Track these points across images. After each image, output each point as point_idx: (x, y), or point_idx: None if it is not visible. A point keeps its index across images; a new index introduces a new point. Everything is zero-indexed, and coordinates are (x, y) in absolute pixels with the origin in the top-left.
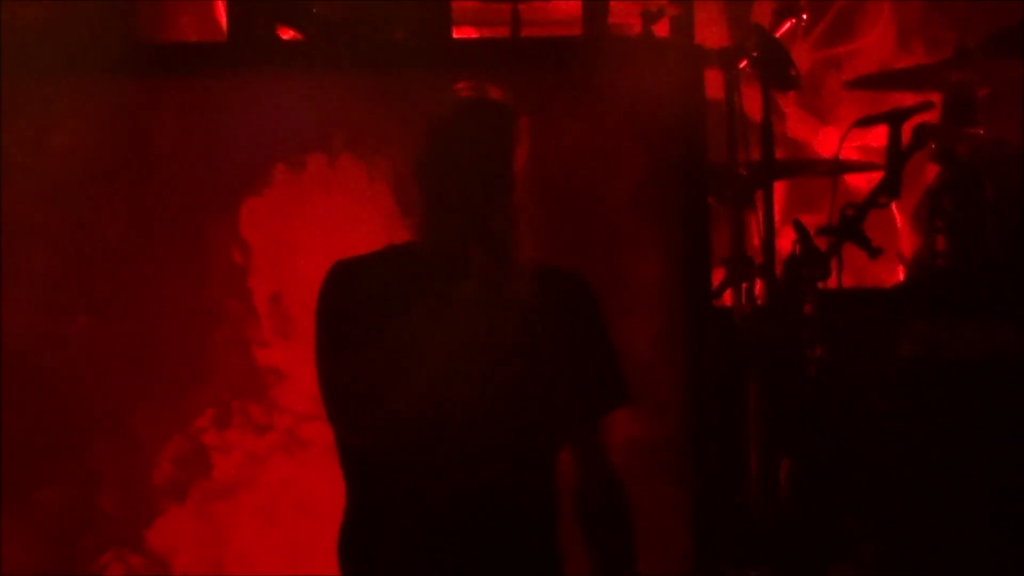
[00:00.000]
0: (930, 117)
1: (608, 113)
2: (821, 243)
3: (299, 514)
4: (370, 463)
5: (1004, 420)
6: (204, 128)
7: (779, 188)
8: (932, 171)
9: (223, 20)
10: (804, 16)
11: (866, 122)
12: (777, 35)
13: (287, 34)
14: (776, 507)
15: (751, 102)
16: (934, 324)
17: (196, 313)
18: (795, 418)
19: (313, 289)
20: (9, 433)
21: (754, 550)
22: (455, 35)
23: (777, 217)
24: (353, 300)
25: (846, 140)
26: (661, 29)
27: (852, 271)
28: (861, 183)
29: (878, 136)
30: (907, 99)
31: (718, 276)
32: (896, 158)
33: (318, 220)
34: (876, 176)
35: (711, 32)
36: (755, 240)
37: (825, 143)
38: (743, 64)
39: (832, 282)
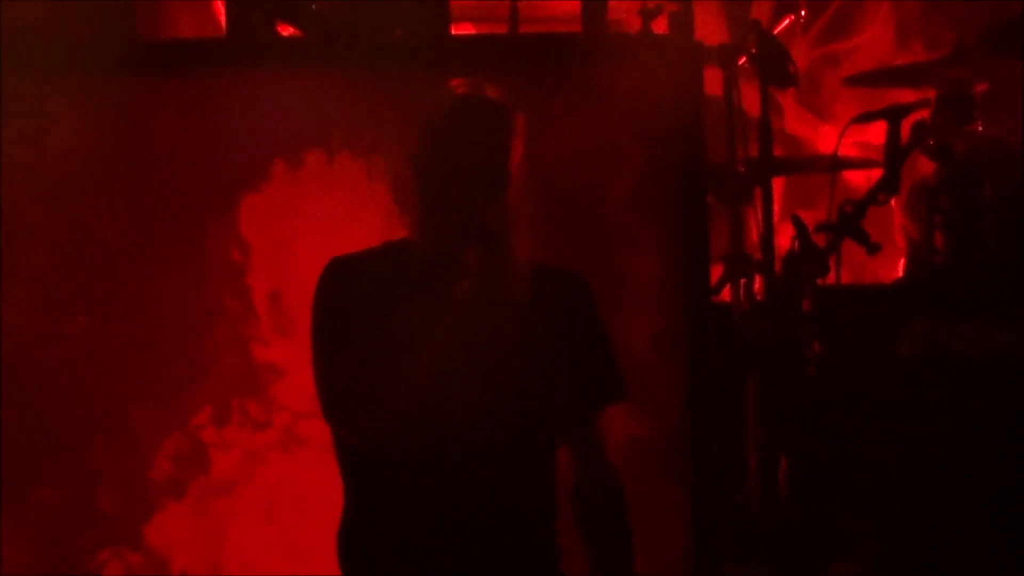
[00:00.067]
0: (927, 114)
1: (607, 111)
2: (820, 240)
3: (297, 511)
4: (367, 462)
5: (1003, 419)
6: (203, 126)
7: (778, 185)
8: (925, 163)
9: (222, 18)
10: (803, 13)
11: (864, 119)
12: (776, 32)
13: (286, 31)
14: (775, 506)
15: (750, 99)
16: (933, 323)
17: (195, 311)
18: (794, 417)
19: (311, 287)
20: (8, 431)
21: (753, 549)
22: (454, 32)
23: (776, 214)
24: (349, 298)
25: (845, 137)
26: (660, 26)
27: (851, 267)
28: (860, 180)
29: (877, 133)
30: (905, 96)
31: (717, 273)
32: (895, 155)
33: (317, 218)
34: (875, 173)
35: (710, 29)
36: (754, 237)
37: (824, 140)
38: (742, 61)
39: (831, 279)
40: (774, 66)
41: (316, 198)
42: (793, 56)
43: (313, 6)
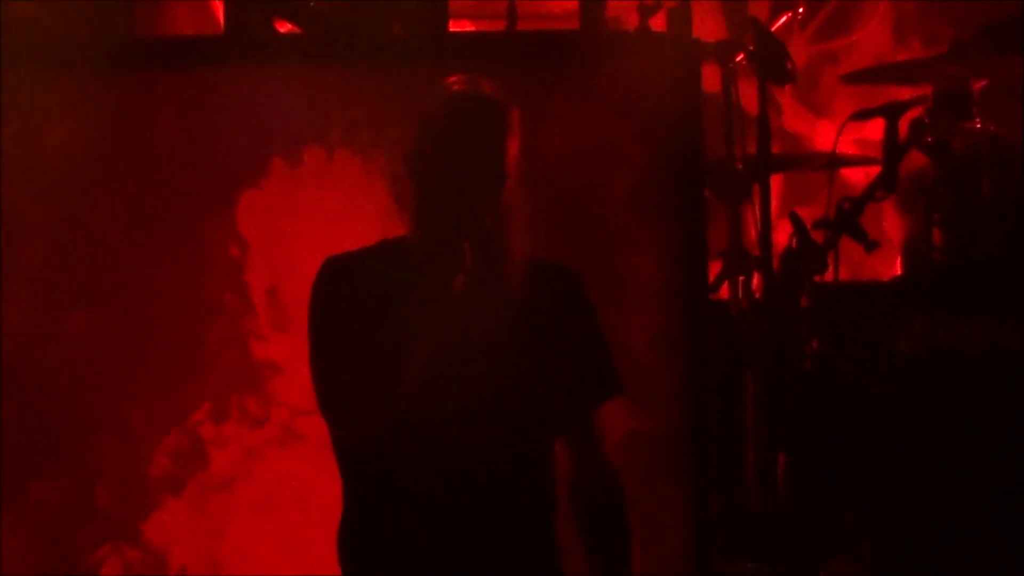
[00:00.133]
0: (925, 111)
1: (605, 108)
2: (818, 237)
3: (296, 508)
4: (365, 461)
5: (1002, 416)
6: (201, 123)
7: (776, 182)
8: (920, 157)
9: (220, 16)
10: (800, 10)
11: (862, 116)
12: (773, 29)
13: (284, 28)
14: (774, 504)
15: (748, 96)
16: (932, 320)
17: (193, 308)
18: (793, 415)
19: (310, 283)
20: (8, 428)
21: (752, 547)
22: (452, 29)
23: (774, 211)
24: (345, 296)
25: (843, 134)
26: (658, 23)
27: (849, 264)
28: (858, 177)
29: (875, 130)
30: (903, 93)
31: (715, 269)
32: (892, 152)
33: (315, 214)
34: (873, 170)
35: (708, 26)
36: (752, 234)
37: (821, 136)
38: (740, 58)
39: (829, 276)
40: (772, 63)
41: (314, 195)
42: (791, 53)
43: (311, 3)
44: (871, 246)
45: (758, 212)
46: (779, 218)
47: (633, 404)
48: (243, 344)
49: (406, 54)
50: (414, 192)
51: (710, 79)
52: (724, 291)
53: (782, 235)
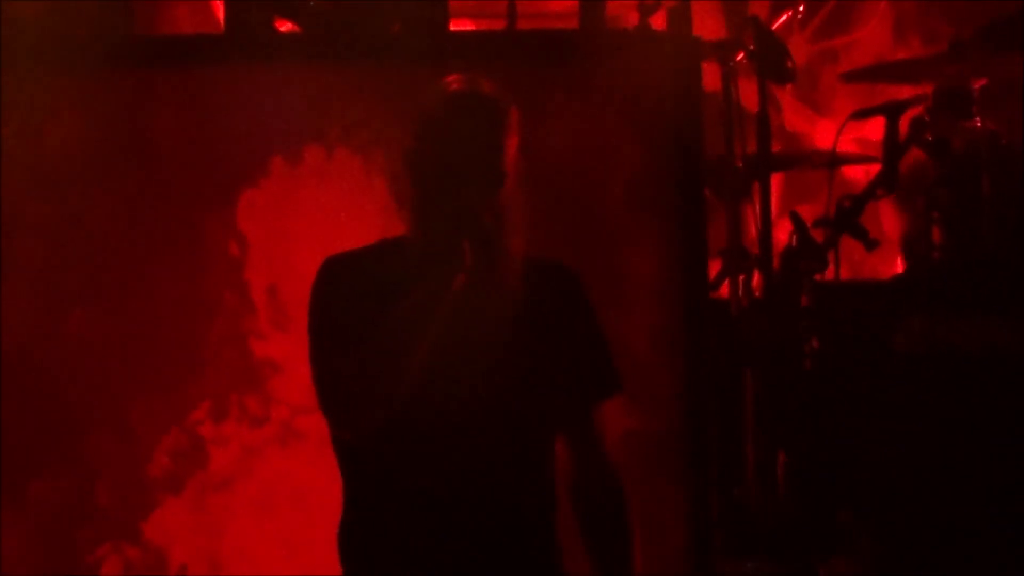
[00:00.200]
0: (925, 110)
1: (605, 106)
2: (818, 235)
3: (296, 506)
4: (365, 460)
5: (1002, 414)
6: (201, 121)
7: (776, 180)
8: (918, 154)
9: (219, 14)
10: (801, 8)
11: (863, 114)
12: (774, 28)
13: (284, 27)
14: (774, 502)
15: (748, 95)
16: (931, 318)
17: (193, 306)
18: (793, 413)
19: (309, 281)
20: (7, 426)
21: (752, 545)
22: (452, 28)
23: (774, 209)
24: (345, 296)
25: (843, 132)
26: (658, 22)
27: (849, 263)
28: (858, 175)
29: (875, 128)
30: (903, 92)
31: (715, 268)
32: (893, 150)
33: (314, 213)
34: (873, 168)
35: (708, 25)
36: (752, 232)
37: (822, 135)
38: (740, 57)
39: (829, 274)
40: (772, 62)
41: (314, 193)
42: (791, 51)
43: (311, 2)
44: (871, 245)
45: (758, 211)
46: (779, 217)
47: (633, 403)
48: (243, 343)
49: (406, 53)
50: (413, 192)
51: (710, 78)
52: (724, 290)
53: (782, 234)
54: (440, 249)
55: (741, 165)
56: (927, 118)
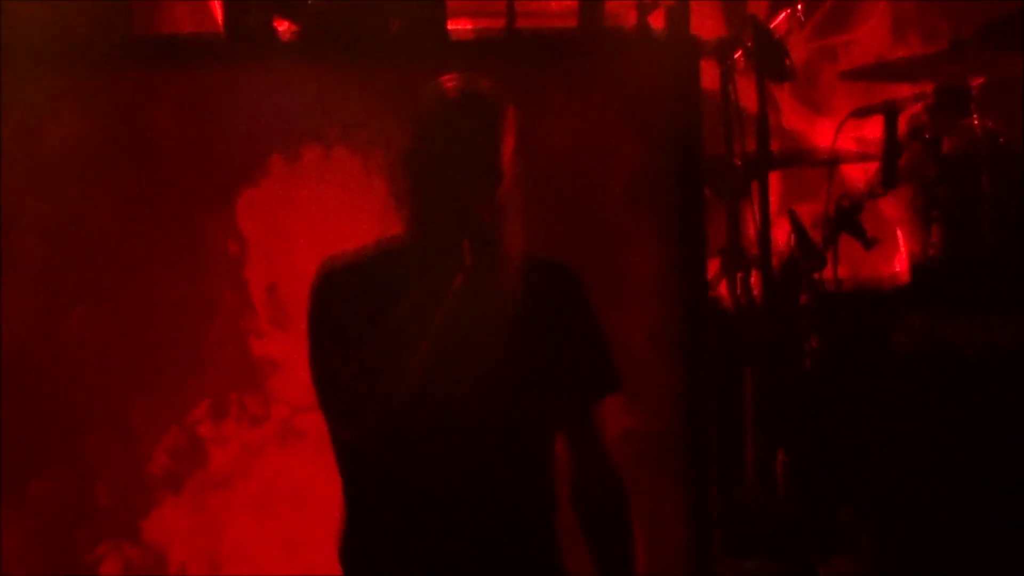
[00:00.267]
0: (924, 108)
1: (604, 105)
2: (817, 235)
3: (295, 505)
4: (365, 460)
5: (1001, 413)
6: (200, 120)
7: (775, 179)
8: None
9: (216, 11)
10: (799, 7)
11: (862, 113)
12: (772, 26)
13: (284, 27)
14: (773, 502)
15: (746, 94)
16: (931, 318)
17: (192, 305)
18: (791, 412)
19: (308, 280)
20: (6, 425)
21: (752, 544)
22: (450, 27)
23: (773, 208)
24: (344, 297)
25: (842, 131)
26: (657, 21)
27: (848, 262)
28: (857, 174)
29: (874, 127)
30: (902, 90)
31: (714, 267)
32: (892, 150)
33: (313, 212)
34: (872, 167)
35: (706, 23)
36: (751, 231)
37: (821, 134)
38: (738, 55)
39: (828, 273)
40: (771, 60)
41: (313, 192)
42: (790, 50)
43: (310, 2)
44: (870, 244)
45: (757, 210)
46: (778, 216)
47: (632, 403)
48: (242, 341)
49: (405, 52)
50: (411, 191)
51: (709, 77)
52: (721, 288)
53: (781, 233)
54: (439, 249)
55: (740, 164)
56: (925, 118)
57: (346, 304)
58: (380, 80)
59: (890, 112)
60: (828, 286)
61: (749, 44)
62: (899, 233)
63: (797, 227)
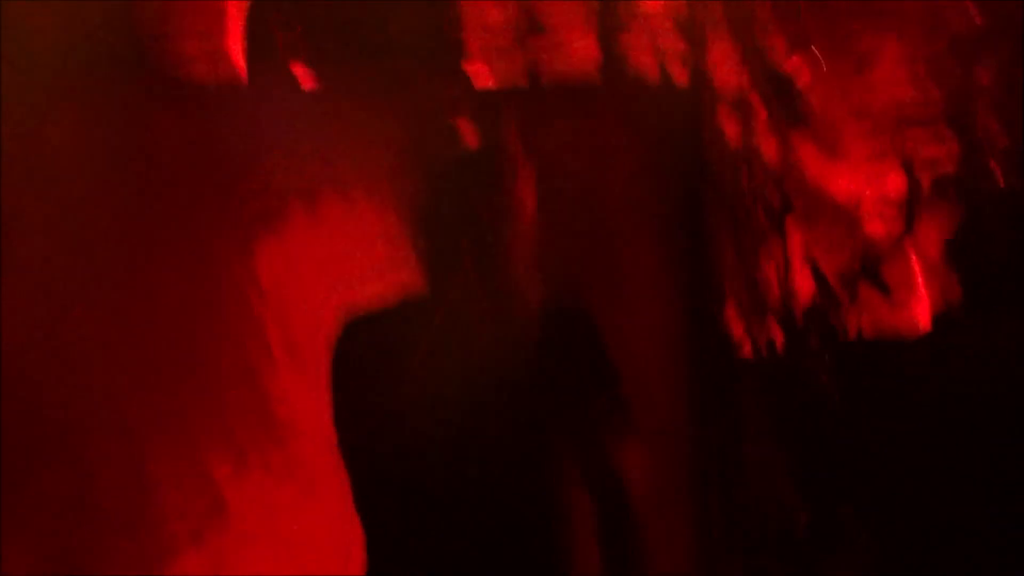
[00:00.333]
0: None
1: (622, 154)
2: (840, 285)
3: (307, 547)
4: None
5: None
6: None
7: (795, 226)
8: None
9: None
10: (815, 50)
11: (880, 161)
12: (788, 70)
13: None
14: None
15: (764, 139)
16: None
17: (204, 335)
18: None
19: (322, 313)
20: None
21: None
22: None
23: (795, 259)
24: (366, 357)
25: (862, 177)
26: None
27: (871, 315)
28: (879, 226)
29: (894, 174)
30: (919, 134)
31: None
32: (914, 201)
33: (332, 258)
34: (892, 213)
35: (723, 69)
36: (774, 285)
37: (840, 178)
38: (754, 100)
39: (850, 327)
40: (787, 105)
41: (332, 238)
42: (805, 94)
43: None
44: (892, 296)
45: (779, 260)
46: (800, 267)
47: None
48: (254, 376)
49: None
50: (424, 237)
51: (726, 123)
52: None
53: (804, 284)
54: (454, 295)
55: (760, 213)
56: (948, 165)
57: (368, 364)
58: (397, 126)
59: (908, 160)
60: (848, 335)
61: (766, 88)
62: (920, 282)
63: (820, 279)
